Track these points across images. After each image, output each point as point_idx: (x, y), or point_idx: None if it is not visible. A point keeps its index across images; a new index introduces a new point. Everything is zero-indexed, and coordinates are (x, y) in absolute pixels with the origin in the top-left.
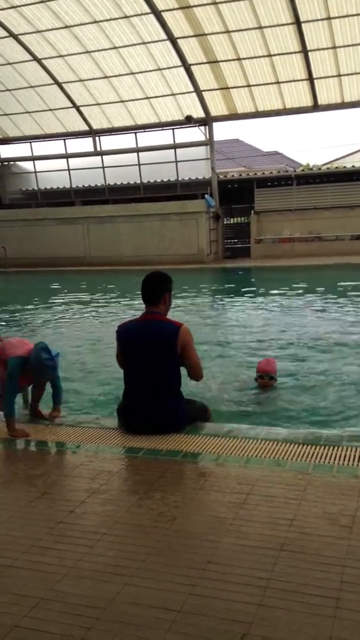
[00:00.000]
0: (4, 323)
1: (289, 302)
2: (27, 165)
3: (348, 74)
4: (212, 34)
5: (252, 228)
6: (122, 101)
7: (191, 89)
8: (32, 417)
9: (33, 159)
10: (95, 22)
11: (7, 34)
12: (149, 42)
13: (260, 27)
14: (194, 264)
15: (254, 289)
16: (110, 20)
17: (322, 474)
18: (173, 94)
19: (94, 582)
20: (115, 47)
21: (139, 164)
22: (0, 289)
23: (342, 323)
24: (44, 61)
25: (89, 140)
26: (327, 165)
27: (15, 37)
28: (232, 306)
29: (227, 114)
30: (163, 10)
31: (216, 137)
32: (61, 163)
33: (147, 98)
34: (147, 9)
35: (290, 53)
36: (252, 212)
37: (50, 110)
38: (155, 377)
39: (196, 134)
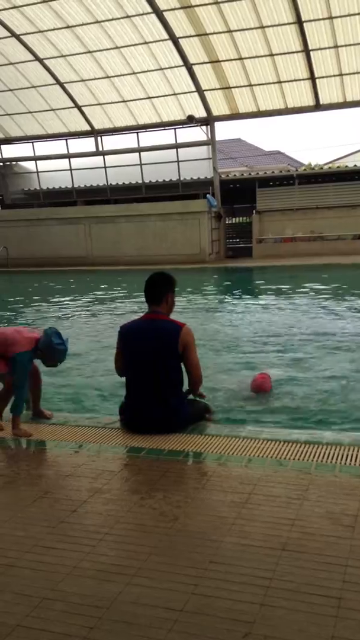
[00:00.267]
0: (5, 322)
1: (291, 302)
2: (29, 165)
3: (350, 74)
4: (214, 33)
5: (254, 228)
6: (124, 101)
7: (193, 88)
8: (35, 416)
9: (35, 159)
10: (97, 22)
11: (9, 34)
12: (150, 42)
13: (262, 27)
14: (196, 263)
15: (256, 288)
16: (112, 20)
17: (324, 474)
18: (175, 94)
19: (96, 582)
20: (117, 47)
21: (141, 164)
22: (2, 289)
23: (345, 322)
24: (46, 61)
25: (91, 140)
26: (329, 164)
27: (17, 37)
28: (233, 306)
29: (229, 113)
30: (165, 10)
31: (218, 137)
32: (63, 163)
33: (149, 98)
34: (148, 9)
35: (292, 52)
36: (254, 211)
37: (52, 110)
38: (157, 377)
39: (198, 133)
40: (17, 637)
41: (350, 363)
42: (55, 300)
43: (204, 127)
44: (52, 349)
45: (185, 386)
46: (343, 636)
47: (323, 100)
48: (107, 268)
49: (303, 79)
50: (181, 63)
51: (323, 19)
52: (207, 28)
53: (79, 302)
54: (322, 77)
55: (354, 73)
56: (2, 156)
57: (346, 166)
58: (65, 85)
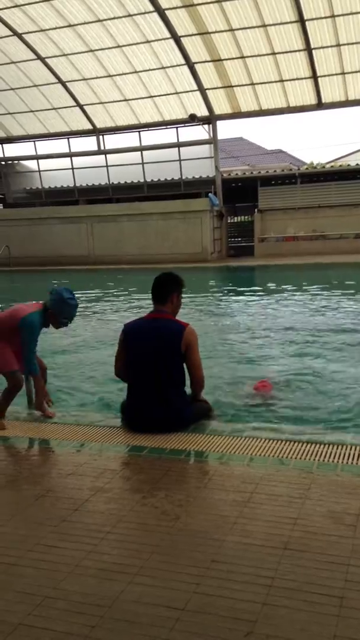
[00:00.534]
0: None
1: (293, 301)
2: (31, 164)
3: (352, 72)
4: (216, 32)
5: (256, 226)
6: (125, 100)
7: (195, 87)
8: (38, 411)
9: (37, 157)
10: (99, 20)
11: (11, 33)
12: (152, 41)
13: (264, 25)
14: (198, 262)
15: (258, 287)
16: (114, 19)
17: (326, 473)
18: (177, 93)
19: (98, 581)
20: (118, 46)
21: (143, 163)
22: (4, 288)
23: (348, 322)
24: (47, 60)
25: (93, 139)
26: (331, 163)
27: (19, 36)
28: (235, 305)
29: (231, 112)
30: (167, 9)
31: (220, 136)
32: (65, 162)
33: (151, 97)
34: (150, 8)
35: (294, 51)
36: (256, 210)
37: (54, 109)
38: (160, 376)
39: (200, 132)
40: (19, 635)
41: (354, 362)
42: None
43: (205, 126)
44: (63, 302)
45: (187, 386)
46: (345, 635)
47: (325, 99)
48: (109, 267)
49: (305, 78)
50: (183, 62)
51: (325, 17)
52: (209, 27)
53: (80, 301)
54: (324, 75)
55: (356, 72)
56: (4, 155)
57: (348, 165)
58: (67, 84)
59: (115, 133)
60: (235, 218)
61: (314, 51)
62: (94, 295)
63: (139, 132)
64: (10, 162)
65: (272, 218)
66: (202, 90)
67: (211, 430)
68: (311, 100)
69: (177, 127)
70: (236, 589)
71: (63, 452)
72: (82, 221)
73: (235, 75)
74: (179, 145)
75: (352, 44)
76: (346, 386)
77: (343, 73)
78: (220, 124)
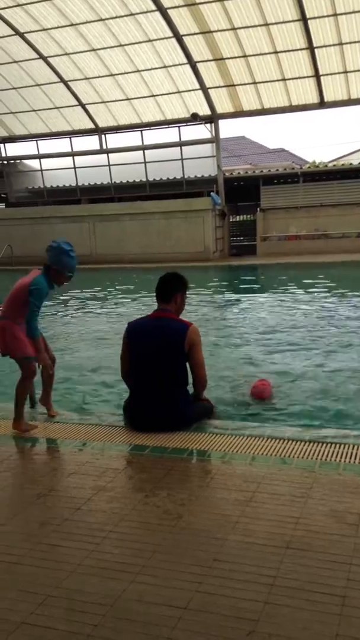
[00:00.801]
0: None
1: (296, 300)
2: (33, 164)
3: (354, 71)
4: (218, 31)
5: (258, 225)
6: (127, 99)
7: (197, 86)
8: (42, 404)
9: (39, 157)
10: (101, 19)
11: (13, 32)
12: (154, 40)
13: (266, 24)
14: (200, 261)
15: (261, 286)
16: (116, 18)
17: (328, 472)
18: (179, 92)
19: (100, 580)
20: (121, 45)
21: (145, 162)
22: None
23: (350, 321)
24: (50, 59)
25: (95, 138)
26: (333, 162)
27: (21, 35)
28: (238, 304)
29: (233, 111)
30: (169, 8)
31: (222, 135)
32: (67, 161)
33: (153, 96)
34: (152, 7)
35: (297, 50)
36: (258, 209)
37: (56, 108)
38: (163, 375)
39: (202, 131)
40: (22, 634)
41: (357, 361)
42: (58, 297)
43: (208, 125)
44: (65, 254)
45: (190, 385)
46: (347, 634)
47: (327, 97)
48: (111, 266)
49: (307, 77)
50: (185, 61)
51: (328, 16)
52: (211, 25)
53: (83, 299)
54: (327, 74)
55: (358, 70)
56: (6, 154)
57: (351, 164)
58: (69, 83)
59: (117, 132)
60: (238, 217)
61: (316, 50)
62: (97, 294)
63: (141, 131)
64: (12, 161)
65: (275, 217)
66: (204, 89)
67: (213, 429)
68: (313, 99)
69: (179, 126)
70: (238, 587)
71: (65, 451)
72: (84, 220)
73: (237, 74)
74: (181, 144)
75: (355, 42)
76: (349, 385)
77: (345, 72)
78: (222, 122)
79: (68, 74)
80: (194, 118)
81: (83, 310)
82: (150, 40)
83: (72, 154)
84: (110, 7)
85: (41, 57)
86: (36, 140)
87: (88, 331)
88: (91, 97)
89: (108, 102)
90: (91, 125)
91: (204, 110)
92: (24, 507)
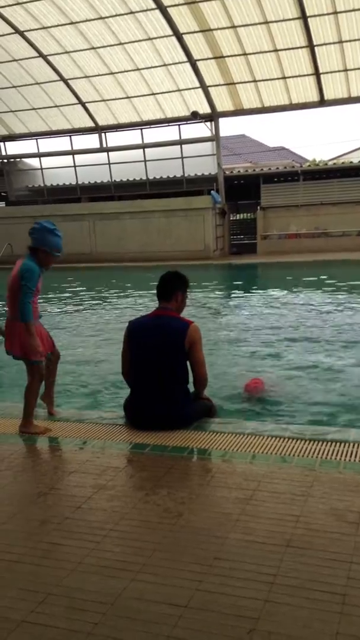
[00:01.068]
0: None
1: (296, 298)
2: (33, 162)
3: (355, 69)
4: (218, 29)
5: (259, 224)
6: (127, 97)
7: (197, 84)
8: (43, 401)
9: (39, 155)
10: (101, 18)
11: (13, 31)
12: (154, 38)
13: (266, 22)
14: (200, 260)
15: (261, 285)
16: (116, 16)
17: (328, 471)
18: (179, 90)
19: (100, 578)
20: (120, 43)
21: (145, 160)
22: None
23: (350, 319)
24: (49, 57)
25: (95, 136)
26: (333, 160)
27: (21, 33)
28: (238, 302)
29: (233, 109)
30: (169, 6)
31: (222, 133)
32: (67, 159)
33: (153, 94)
34: (152, 5)
35: (297, 48)
36: (259, 208)
37: (56, 106)
38: (163, 373)
39: (202, 129)
40: (22, 632)
41: (358, 359)
42: (59, 296)
43: (208, 123)
44: (49, 232)
45: (191, 384)
46: (348, 632)
47: (328, 95)
48: (111, 265)
49: (307, 75)
50: (185, 59)
51: (328, 14)
52: (211, 24)
53: (83, 297)
54: (327, 72)
55: (358, 68)
56: (6, 153)
57: (351, 162)
58: (69, 81)
59: (117, 130)
60: (238, 215)
61: (316, 48)
62: (97, 292)
63: (141, 129)
64: (12, 159)
65: (275, 215)
66: (204, 87)
67: (214, 427)
68: (313, 97)
69: (179, 125)
70: (238, 586)
71: (66, 449)
72: (84, 219)
73: (237, 72)
74: (181, 142)
75: (355, 40)
76: (349, 383)
77: (345, 70)
78: (222, 121)
79: (68, 73)
80: (194, 116)
81: (83, 308)
82: (150, 39)
83: (72, 153)
84: (110, 5)
85: (41, 55)
86: (36, 139)
87: (88, 329)
88: (91, 96)
89: (108, 100)
90: (91, 124)
91: (204, 109)
92: (25, 506)
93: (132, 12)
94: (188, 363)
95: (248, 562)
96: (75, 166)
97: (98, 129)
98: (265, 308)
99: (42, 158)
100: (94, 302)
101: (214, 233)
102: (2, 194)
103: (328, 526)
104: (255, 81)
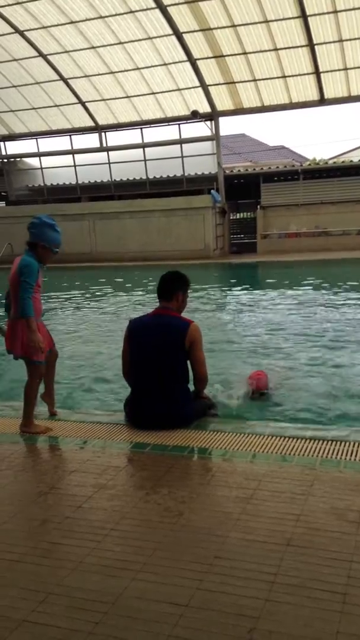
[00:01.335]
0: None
1: (296, 297)
2: (33, 162)
3: (355, 68)
4: (218, 28)
5: (259, 223)
6: (127, 96)
7: (197, 83)
8: (44, 400)
9: (39, 155)
10: (101, 17)
11: (12, 30)
12: (154, 37)
13: (266, 21)
14: (200, 259)
15: (261, 284)
16: (116, 16)
17: (329, 470)
18: (179, 89)
19: (101, 577)
20: (120, 43)
21: (145, 160)
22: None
23: (350, 319)
24: (49, 57)
25: (95, 136)
26: (333, 159)
27: (20, 33)
28: (238, 301)
29: (233, 108)
30: (168, 5)
31: (222, 132)
32: (67, 159)
33: (153, 93)
34: (152, 4)
35: (297, 47)
36: (259, 207)
37: (56, 106)
38: (163, 372)
39: (202, 129)
40: (23, 632)
41: (358, 358)
42: (59, 295)
43: (208, 123)
44: (48, 227)
45: (191, 384)
46: (348, 631)
47: (328, 94)
48: (111, 264)
49: (307, 74)
50: (185, 58)
51: (328, 12)
52: (211, 23)
53: (84, 297)
54: (327, 71)
55: (359, 67)
56: (6, 152)
57: (351, 161)
58: (68, 81)
59: (117, 130)
60: (238, 214)
61: (316, 47)
62: (97, 291)
63: (141, 128)
64: (12, 159)
65: (275, 214)
66: (204, 86)
67: (214, 427)
68: (314, 96)
69: (179, 124)
70: (239, 585)
71: (66, 449)
72: (84, 218)
73: (237, 72)
74: (181, 141)
75: (355, 39)
76: (350, 382)
77: (346, 69)
78: (222, 120)
79: (68, 72)
80: (194, 115)
81: (83, 307)
82: (150, 38)
83: (72, 152)
84: (110, 4)
85: (41, 55)
86: (36, 138)
87: (89, 329)
88: (91, 95)
89: (108, 99)
90: (91, 123)
91: (204, 108)
92: (25, 505)
93: (132, 12)
94: (188, 362)
95: (249, 561)
96: (75, 166)
97: (98, 129)
98: (265, 307)
99: (42, 157)
100: (93, 301)
101: (214, 232)
102: (2, 193)
103: (329, 525)
104: (255, 80)
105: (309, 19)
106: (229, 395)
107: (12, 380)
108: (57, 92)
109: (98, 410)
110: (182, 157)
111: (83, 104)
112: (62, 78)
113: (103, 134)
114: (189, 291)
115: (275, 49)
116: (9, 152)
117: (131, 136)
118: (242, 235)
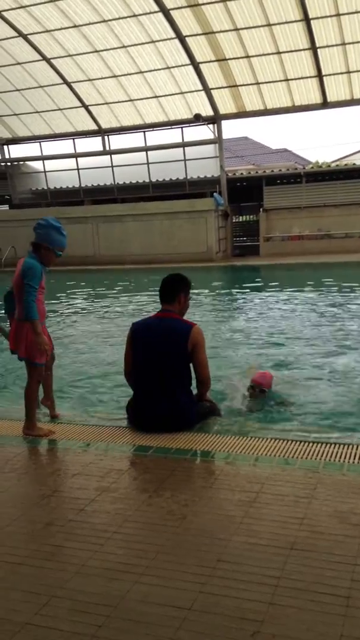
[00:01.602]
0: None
1: (300, 300)
2: (37, 165)
3: (357, 71)
4: (221, 31)
5: (261, 226)
6: (130, 100)
7: (200, 87)
8: (43, 405)
9: (42, 158)
10: (104, 21)
11: (16, 34)
12: (157, 41)
13: (269, 25)
14: (203, 262)
15: (264, 287)
16: (119, 19)
17: (332, 473)
18: (182, 93)
19: (104, 580)
20: (123, 46)
21: (148, 163)
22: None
23: (353, 322)
24: (53, 61)
25: (98, 139)
26: (336, 162)
27: (24, 37)
28: (241, 305)
29: (236, 112)
30: (172, 9)
31: (225, 135)
32: (70, 162)
33: (156, 97)
34: (155, 8)
35: (299, 50)
36: (261, 210)
37: (60, 109)
38: (166, 374)
39: (205, 132)
40: (26, 635)
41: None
42: (63, 298)
43: (210, 126)
44: (54, 230)
45: (193, 386)
46: (352, 635)
47: (330, 97)
48: (114, 267)
49: (310, 77)
50: (188, 62)
51: (330, 16)
52: (214, 26)
53: (87, 299)
54: (330, 74)
55: None
56: (9, 156)
57: (354, 164)
58: (72, 84)
59: (120, 133)
60: (240, 217)
61: (319, 50)
62: (100, 294)
63: (144, 132)
64: (15, 162)
65: (278, 217)
66: (207, 90)
67: (217, 429)
68: (316, 99)
69: (182, 127)
70: (242, 588)
71: (69, 452)
72: (87, 221)
73: (240, 75)
74: (184, 145)
75: (358, 42)
76: (352, 385)
77: (348, 72)
78: (225, 123)
79: (71, 76)
80: (197, 119)
81: (86, 310)
82: (153, 42)
83: (75, 155)
84: (113, 8)
85: (44, 58)
86: (39, 142)
87: (91, 331)
88: (94, 99)
89: (111, 103)
90: (94, 127)
91: (207, 111)
92: (28, 508)
93: (135, 15)
94: (191, 365)
95: (252, 565)
96: (78, 169)
97: (101, 132)
98: (268, 310)
99: (45, 161)
100: (96, 304)
101: (217, 235)
102: (6, 197)
103: (332, 528)
104: (257, 83)
105: (312, 22)
106: (231, 397)
107: (15, 383)
108: (60, 95)
109: (101, 412)
110: (185, 160)
111: (86, 107)
112: (65, 82)
113: (106, 137)
114: (190, 293)
115: (278, 52)
116: (12, 156)
117: (134, 139)
118: (244, 238)
